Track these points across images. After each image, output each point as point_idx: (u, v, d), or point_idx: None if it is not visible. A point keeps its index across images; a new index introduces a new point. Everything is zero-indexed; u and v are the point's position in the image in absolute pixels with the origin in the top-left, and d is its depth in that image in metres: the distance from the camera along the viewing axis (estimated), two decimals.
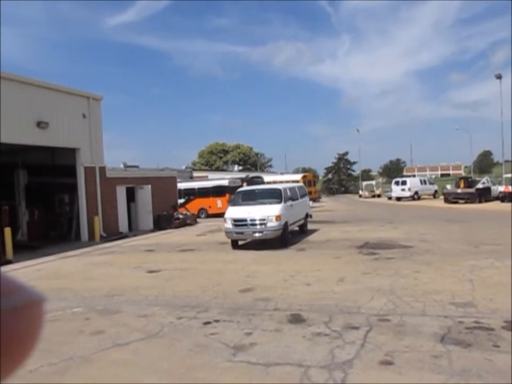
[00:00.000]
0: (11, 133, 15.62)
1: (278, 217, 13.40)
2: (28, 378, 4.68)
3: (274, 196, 14.48)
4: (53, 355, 5.26)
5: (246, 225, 13.58)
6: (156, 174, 25.52)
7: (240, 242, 14.42)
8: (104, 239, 18.64)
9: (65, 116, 18.12)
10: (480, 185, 32.76)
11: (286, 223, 13.82)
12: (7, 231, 14.73)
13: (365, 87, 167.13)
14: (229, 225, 13.83)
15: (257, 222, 13.42)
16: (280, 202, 14.03)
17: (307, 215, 17.35)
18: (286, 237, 13.86)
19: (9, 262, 13.81)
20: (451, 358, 4.49)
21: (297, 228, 16.46)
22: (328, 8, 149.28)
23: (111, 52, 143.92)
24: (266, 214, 13.46)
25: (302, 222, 16.46)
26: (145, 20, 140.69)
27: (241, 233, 13.74)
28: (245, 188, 18.48)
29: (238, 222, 13.71)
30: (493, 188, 33.49)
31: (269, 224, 13.34)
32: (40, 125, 16.71)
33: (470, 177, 39.46)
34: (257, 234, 13.56)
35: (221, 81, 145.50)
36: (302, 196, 16.91)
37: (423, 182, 42.00)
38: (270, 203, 14.06)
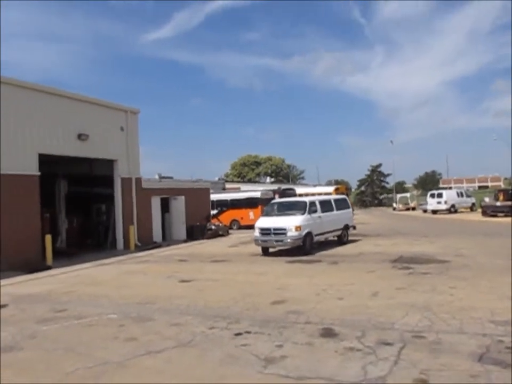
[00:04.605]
0: (54, 145, 16.37)
1: (298, 228, 14.48)
2: (65, 380, 4.86)
3: (299, 207, 15.51)
4: (89, 359, 5.42)
5: (269, 234, 14.93)
6: (190, 185, 25.97)
7: (271, 250, 15.58)
8: (138, 248, 19.07)
9: (104, 129, 18.82)
10: None
11: (308, 233, 14.83)
12: (48, 238, 15.34)
13: (400, 98, 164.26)
14: (257, 233, 15.31)
15: (279, 231, 14.67)
16: (303, 214, 15.04)
17: (347, 226, 17.83)
18: (306, 246, 14.73)
19: (49, 268, 14.36)
20: (490, 378, 4.33)
21: (335, 238, 17.43)
22: (361, 20, 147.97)
23: (147, 66, 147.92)
24: (287, 224, 14.63)
25: (338, 233, 17.31)
26: (179, 36, 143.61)
27: (266, 241, 15.11)
28: (277, 200, 19.44)
29: (263, 231, 15.10)
30: None
31: (289, 234, 14.46)
32: (81, 137, 17.42)
33: (510, 190, 37.98)
34: (276, 243, 14.93)
35: (255, 94, 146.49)
36: (341, 208, 17.60)
37: (459, 195, 40.76)
38: (294, 214, 15.16)
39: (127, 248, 19.05)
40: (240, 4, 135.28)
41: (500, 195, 33.20)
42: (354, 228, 18.81)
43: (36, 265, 14.14)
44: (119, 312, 7.88)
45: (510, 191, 35.11)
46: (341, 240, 17.39)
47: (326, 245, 17.03)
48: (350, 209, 18.79)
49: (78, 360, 5.40)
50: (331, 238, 17.38)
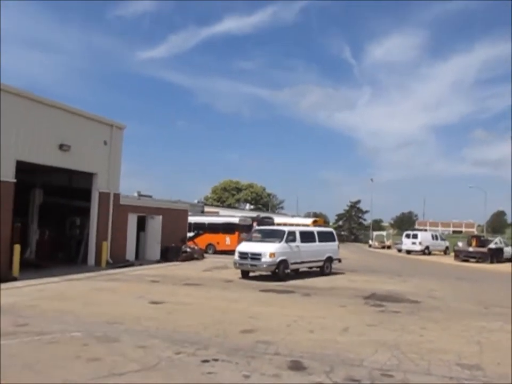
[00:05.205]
0: (34, 153, 16.07)
1: (272, 254, 15.37)
2: None
3: (278, 235, 16.35)
4: (46, 378, 5.18)
5: (246, 258, 15.84)
6: (168, 205, 25.72)
7: (251, 274, 16.38)
8: (110, 266, 18.63)
9: (87, 141, 18.62)
10: (492, 245, 32.21)
11: (283, 261, 15.62)
12: (16, 248, 14.85)
13: (382, 138, 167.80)
14: (236, 256, 16.29)
15: (255, 256, 15.57)
16: (280, 242, 15.87)
17: (330, 259, 18.11)
18: (280, 273, 15.52)
19: (14, 279, 13.85)
20: None
21: (317, 269, 18.03)
22: (351, 60, 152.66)
23: (138, 83, 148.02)
24: (263, 250, 15.54)
25: (319, 264, 17.85)
26: (173, 57, 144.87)
27: (243, 264, 16.04)
28: (260, 227, 20.59)
29: (242, 255, 16.07)
30: (506, 249, 32.90)
31: (263, 259, 15.39)
32: (63, 147, 17.17)
33: (483, 236, 38.92)
34: (251, 267, 15.85)
35: (242, 121, 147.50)
36: (325, 240, 18.13)
37: (434, 237, 41.51)
38: (272, 241, 16.01)
39: (98, 265, 18.58)
40: (237, 33, 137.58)
41: (473, 241, 33.96)
42: (339, 261, 19.11)
43: (1, 275, 13.62)
44: (83, 330, 7.62)
45: (483, 238, 35.99)
46: (323, 271, 17.81)
47: (304, 274, 17.23)
48: (336, 243, 19.08)
49: (34, 380, 5.16)
50: (315, 269, 17.96)
